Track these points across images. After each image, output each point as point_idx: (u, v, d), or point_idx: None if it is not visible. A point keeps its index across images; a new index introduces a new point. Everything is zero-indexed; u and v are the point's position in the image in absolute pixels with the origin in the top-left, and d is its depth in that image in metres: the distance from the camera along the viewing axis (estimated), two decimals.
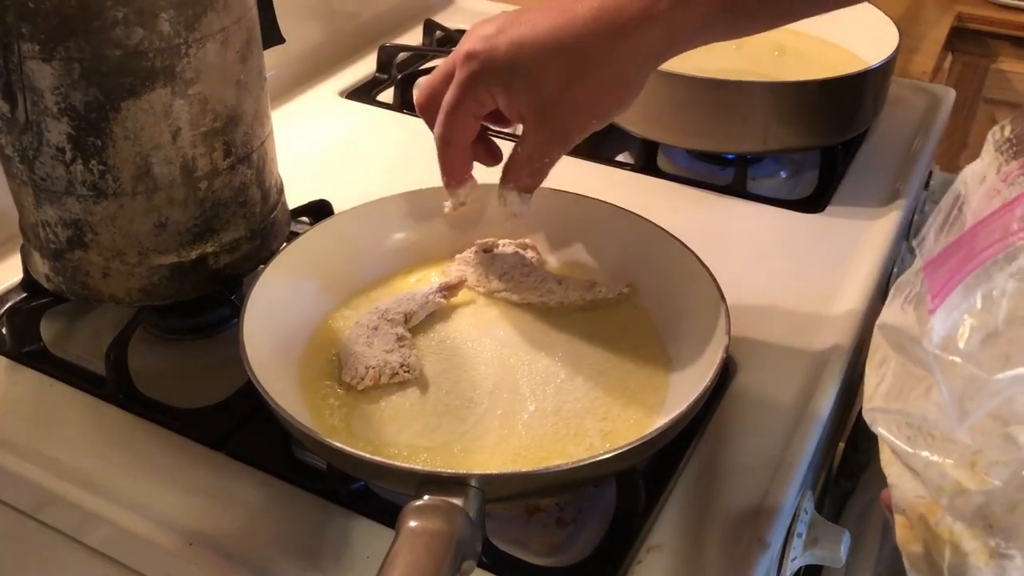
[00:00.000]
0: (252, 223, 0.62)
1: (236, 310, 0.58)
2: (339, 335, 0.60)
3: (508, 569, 0.50)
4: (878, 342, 0.42)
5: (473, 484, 0.45)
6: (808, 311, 0.68)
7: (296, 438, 0.52)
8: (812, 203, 0.82)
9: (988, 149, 0.41)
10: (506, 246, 0.66)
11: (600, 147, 0.89)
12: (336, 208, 0.74)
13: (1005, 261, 0.35)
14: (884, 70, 0.84)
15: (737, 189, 0.83)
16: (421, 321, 0.61)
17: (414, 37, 1.12)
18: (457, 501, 0.43)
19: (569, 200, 0.67)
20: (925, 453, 0.36)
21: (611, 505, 0.53)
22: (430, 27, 1.12)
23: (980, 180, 0.40)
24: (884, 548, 0.78)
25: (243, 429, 0.58)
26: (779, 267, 0.73)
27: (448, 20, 1.15)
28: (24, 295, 0.66)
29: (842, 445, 0.93)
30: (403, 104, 0.97)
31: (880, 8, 0.91)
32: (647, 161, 0.86)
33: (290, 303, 0.60)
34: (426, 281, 0.65)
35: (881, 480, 0.40)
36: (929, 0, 1.56)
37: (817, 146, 0.85)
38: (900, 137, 0.92)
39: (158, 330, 0.67)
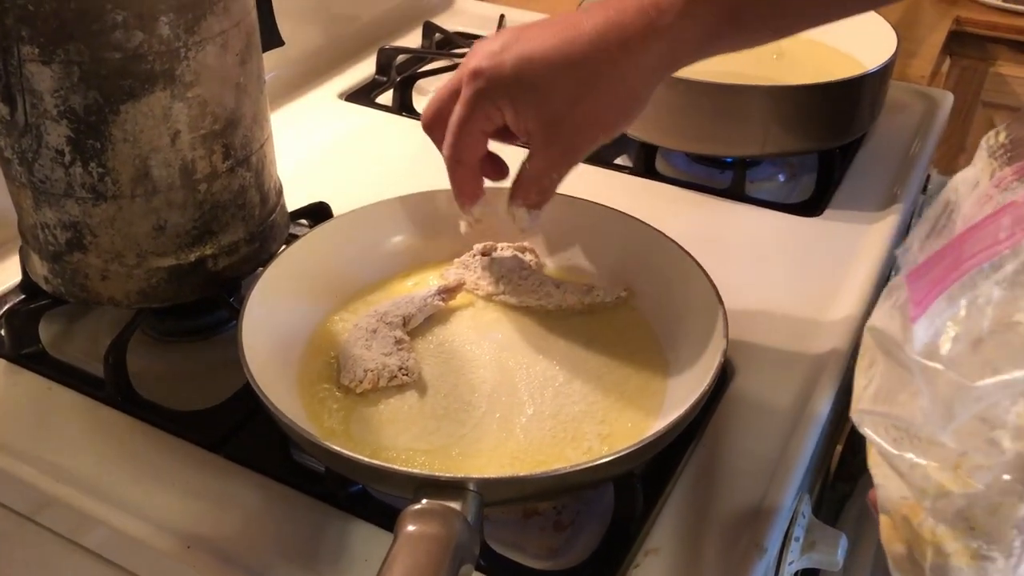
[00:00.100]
0: (251, 226, 0.62)
1: (235, 313, 0.58)
2: (337, 338, 0.60)
3: (506, 572, 0.50)
4: (868, 344, 0.42)
5: (471, 488, 0.45)
6: (806, 315, 0.69)
7: (294, 441, 0.52)
8: (810, 207, 0.82)
9: (981, 155, 0.41)
10: (504, 249, 0.67)
11: (599, 150, 0.89)
12: (335, 211, 0.74)
13: (991, 269, 0.36)
14: (882, 74, 0.84)
15: (735, 192, 0.83)
16: (419, 324, 0.61)
17: (413, 39, 1.12)
18: (455, 505, 0.44)
19: (567, 203, 0.67)
20: (910, 455, 0.36)
21: (609, 508, 0.53)
22: (429, 29, 1.12)
23: (972, 186, 0.40)
24: (881, 552, 0.78)
25: (241, 432, 0.58)
26: (777, 271, 0.74)
27: (447, 22, 1.15)
28: (23, 297, 0.66)
29: (839, 448, 0.93)
30: (402, 106, 0.97)
31: (878, 12, 0.91)
32: (646, 164, 0.86)
33: (289, 306, 0.60)
34: (424, 284, 0.65)
35: None
36: (927, 4, 1.57)
37: (815, 150, 0.85)
38: (898, 141, 0.92)
39: (157, 332, 0.67)
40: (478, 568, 0.49)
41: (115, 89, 0.53)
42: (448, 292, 0.63)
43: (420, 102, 0.99)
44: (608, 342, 0.61)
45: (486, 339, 0.61)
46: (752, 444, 0.58)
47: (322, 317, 0.62)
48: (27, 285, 0.66)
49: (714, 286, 0.57)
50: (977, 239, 0.37)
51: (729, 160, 0.87)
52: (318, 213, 0.74)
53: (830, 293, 0.71)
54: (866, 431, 0.39)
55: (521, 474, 0.50)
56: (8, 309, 0.65)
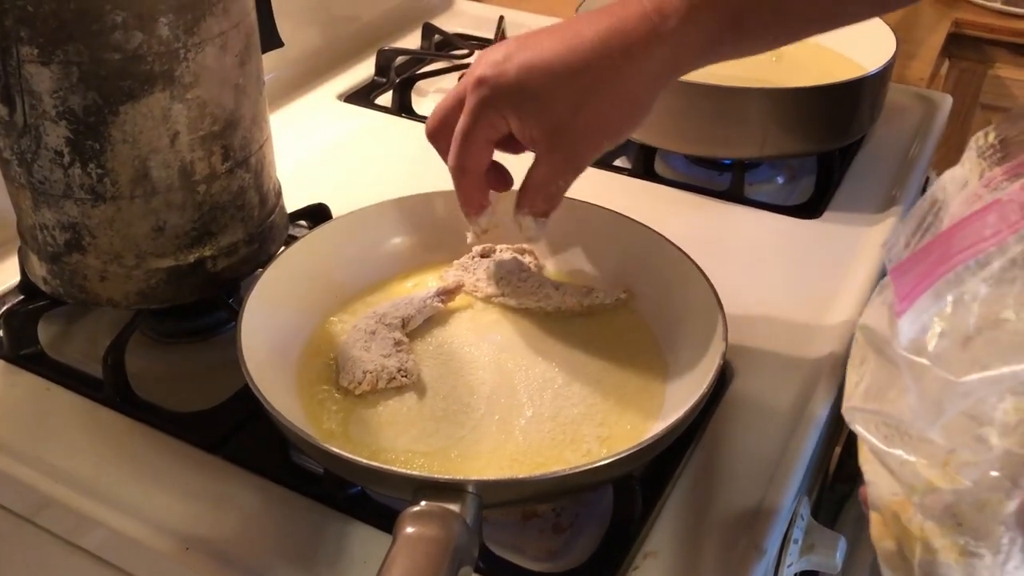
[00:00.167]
0: (250, 227, 0.62)
1: (234, 314, 0.58)
2: (336, 339, 0.60)
3: (505, 575, 0.50)
4: (859, 342, 0.42)
5: (470, 490, 0.45)
6: (804, 317, 0.69)
7: (293, 442, 0.52)
8: (809, 209, 0.82)
9: (970, 155, 0.42)
10: (504, 251, 0.67)
11: None
12: (334, 212, 0.74)
13: (977, 266, 0.36)
14: (881, 76, 0.84)
15: (734, 194, 0.83)
16: (419, 326, 0.61)
17: (412, 41, 1.12)
18: (454, 507, 0.44)
19: (566, 205, 0.66)
20: (900, 452, 0.37)
21: (608, 511, 0.53)
22: (428, 31, 1.12)
23: (960, 185, 0.41)
24: None
25: (240, 433, 0.58)
26: (776, 273, 0.74)
27: (446, 24, 1.15)
28: (21, 298, 0.66)
29: (838, 450, 0.93)
30: (401, 108, 0.97)
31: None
32: (645, 166, 0.86)
33: (288, 307, 0.60)
34: (424, 286, 0.65)
35: None
36: (926, 6, 1.57)
37: (814, 152, 0.85)
38: (897, 143, 0.92)
39: (155, 333, 0.67)
40: (477, 570, 0.49)
41: (114, 90, 0.53)
42: (447, 294, 0.63)
43: (419, 103, 0.99)
44: (607, 344, 0.61)
45: (485, 341, 0.61)
46: (751, 446, 0.58)
47: (321, 318, 0.62)
48: (26, 286, 0.66)
49: (713, 288, 0.57)
50: (963, 236, 0.37)
51: (728, 162, 0.87)
52: (317, 214, 0.74)
53: (829, 295, 0.71)
54: (857, 428, 0.39)
55: (520, 476, 0.50)
56: (7, 310, 0.65)
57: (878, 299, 0.41)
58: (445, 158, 0.58)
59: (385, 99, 0.99)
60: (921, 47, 1.41)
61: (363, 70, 1.05)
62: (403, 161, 0.88)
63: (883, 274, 0.75)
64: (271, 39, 0.87)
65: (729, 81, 0.80)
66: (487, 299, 0.64)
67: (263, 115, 0.63)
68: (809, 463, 0.58)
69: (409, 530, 0.43)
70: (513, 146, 0.57)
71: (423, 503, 0.44)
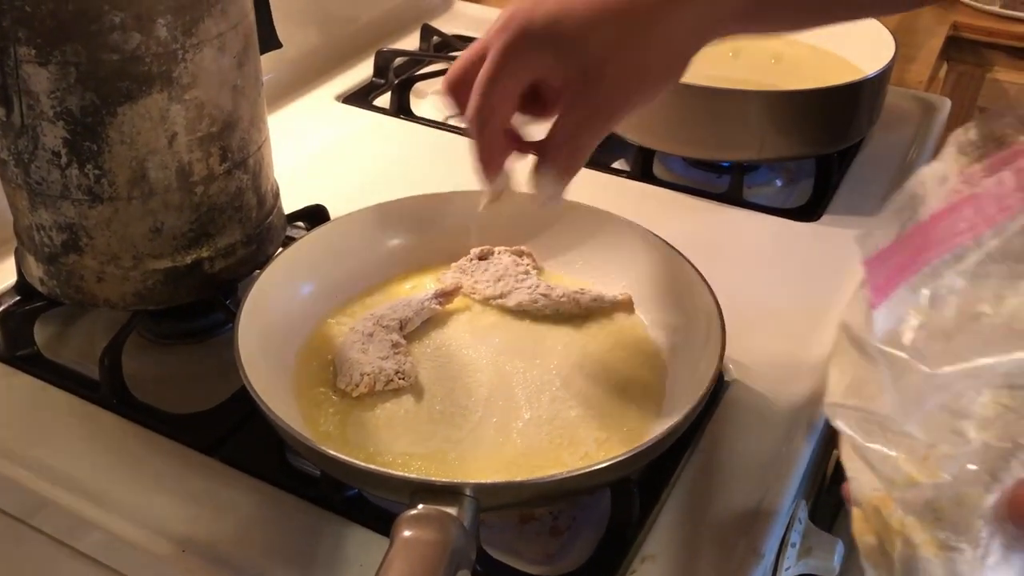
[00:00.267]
0: (248, 228, 0.62)
1: (231, 315, 0.58)
2: (334, 341, 0.60)
3: None
4: (840, 338, 0.42)
5: (467, 493, 0.44)
6: (803, 319, 0.68)
7: (290, 445, 0.52)
8: (807, 212, 0.82)
9: (950, 151, 0.42)
10: (502, 253, 0.66)
11: (596, 154, 0.88)
12: (332, 213, 0.73)
13: (953, 260, 0.36)
14: (880, 79, 0.84)
15: (733, 197, 0.83)
16: (416, 328, 0.61)
17: (411, 42, 1.12)
18: (451, 510, 0.43)
19: (565, 207, 0.66)
20: (880, 447, 0.37)
21: (605, 514, 0.53)
22: (427, 32, 1.12)
23: (940, 181, 0.41)
24: None
25: (237, 435, 0.58)
26: (774, 275, 0.74)
27: (445, 25, 1.15)
28: (18, 298, 0.66)
29: (836, 453, 0.93)
30: (400, 109, 0.97)
31: (877, 18, 0.91)
32: (643, 168, 0.86)
33: (285, 309, 0.60)
34: (422, 287, 0.65)
35: None
36: (925, 9, 1.57)
37: (813, 155, 0.85)
38: (896, 146, 0.92)
39: (152, 335, 0.67)
40: (474, 573, 0.49)
41: (112, 91, 0.53)
42: (445, 296, 0.63)
43: (418, 105, 0.99)
44: (605, 347, 0.61)
45: (483, 343, 0.61)
46: (749, 449, 0.58)
47: (318, 320, 0.62)
48: (22, 287, 0.65)
49: (711, 291, 0.57)
50: (940, 230, 0.38)
51: (726, 165, 0.87)
52: (315, 216, 0.74)
53: (827, 298, 0.71)
54: (838, 424, 0.39)
55: (518, 479, 0.50)
56: (3, 311, 0.65)
57: (859, 294, 0.41)
58: (463, 111, 0.53)
59: (383, 100, 0.99)
60: (920, 50, 1.41)
61: (361, 71, 1.05)
62: (401, 163, 0.88)
63: None
64: (269, 40, 0.86)
65: (728, 83, 0.80)
66: (485, 301, 0.64)
67: (261, 116, 0.62)
68: (807, 466, 0.58)
69: (406, 533, 0.42)
70: (536, 108, 0.53)
71: (420, 506, 0.44)
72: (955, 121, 1.58)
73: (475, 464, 0.52)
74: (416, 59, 1.06)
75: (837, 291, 0.71)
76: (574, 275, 0.67)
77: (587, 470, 0.47)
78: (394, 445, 0.53)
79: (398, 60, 1.05)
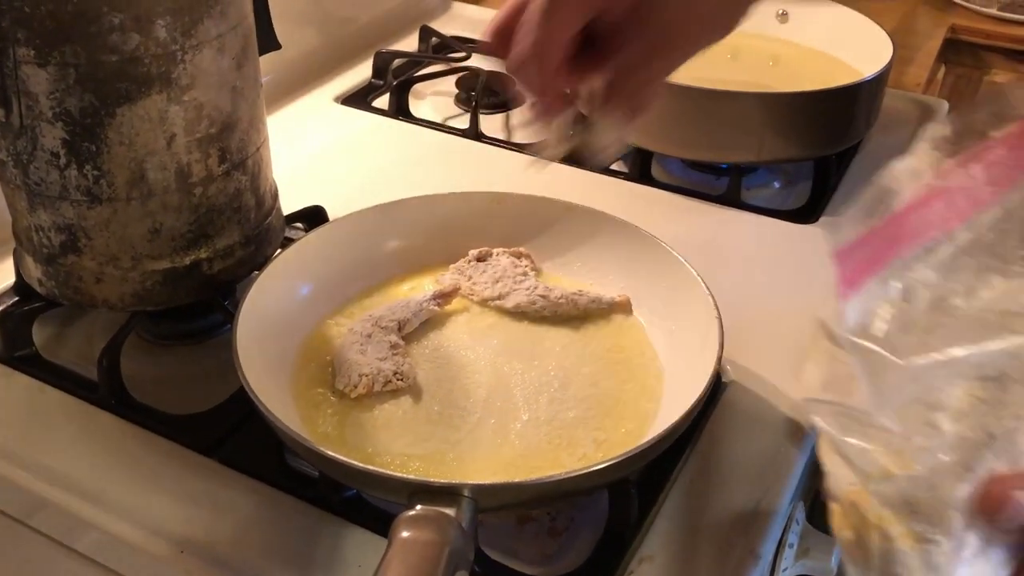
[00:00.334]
0: (246, 229, 0.62)
1: (230, 316, 0.58)
2: (333, 342, 0.60)
3: None
4: (816, 333, 0.42)
5: (466, 494, 0.45)
6: (801, 321, 0.68)
7: (288, 445, 0.52)
8: (805, 213, 0.82)
9: (924, 146, 0.42)
10: (500, 254, 0.66)
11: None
12: (331, 214, 0.74)
13: (925, 253, 0.37)
14: (878, 81, 0.85)
15: (731, 199, 0.83)
16: (415, 329, 0.61)
17: (410, 43, 1.12)
18: (449, 511, 0.43)
19: (563, 209, 0.67)
20: (856, 440, 0.37)
21: (603, 515, 0.53)
22: (426, 33, 1.12)
23: (912, 175, 0.41)
24: None
25: (235, 436, 0.58)
26: (772, 277, 0.74)
27: (444, 27, 1.15)
28: (16, 299, 0.66)
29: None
30: (398, 110, 0.97)
31: (874, 20, 0.92)
32: (641, 170, 0.86)
33: (284, 310, 0.60)
34: (420, 289, 0.65)
35: None
36: (923, 12, 1.57)
37: (811, 157, 0.85)
38: (894, 148, 0.91)
39: (151, 335, 0.67)
40: (472, 574, 0.49)
41: (111, 92, 0.53)
42: (444, 297, 0.63)
43: (416, 106, 0.99)
44: (603, 348, 0.61)
45: (481, 344, 0.61)
46: (747, 450, 0.58)
47: (317, 321, 0.62)
48: (21, 287, 0.65)
49: (709, 292, 0.58)
50: (911, 223, 0.38)
51: (725, 166, 0.87)
52: (314, 217, 0.74)
53: (825, 299, 0.71)
54: (814, 419, 0.39)
55: (516, 480, 0.50)
56: (2, 311, 0.65)
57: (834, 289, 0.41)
58: (505, 56, 0.49)
59: (382, 102, 0.99)
60: (918, 52, 1.42)
61: (360, 72, 1.05)
62: (400, 164, 0.88)
63: None
64: (268, 41, 0.87)
65: (726, 85, 0.81)
66: (483, 303, 0.64)
67: (260, 117, 0.63)
68: (804, 467, 0.58)
69: (404, 534, 0.42)
70: (583, 64, 0.49)
71: (418, 507, 0.44)
72: None
73: (473, 465, 0.52)
74: (415, 60, 1.07)
75: (835, 293, 0.71)
76: (572, 276, 0.67)
77: (585, 471, 0.47)
78: (392, 446, 0.53)
79: (397, 61, 1.05)
